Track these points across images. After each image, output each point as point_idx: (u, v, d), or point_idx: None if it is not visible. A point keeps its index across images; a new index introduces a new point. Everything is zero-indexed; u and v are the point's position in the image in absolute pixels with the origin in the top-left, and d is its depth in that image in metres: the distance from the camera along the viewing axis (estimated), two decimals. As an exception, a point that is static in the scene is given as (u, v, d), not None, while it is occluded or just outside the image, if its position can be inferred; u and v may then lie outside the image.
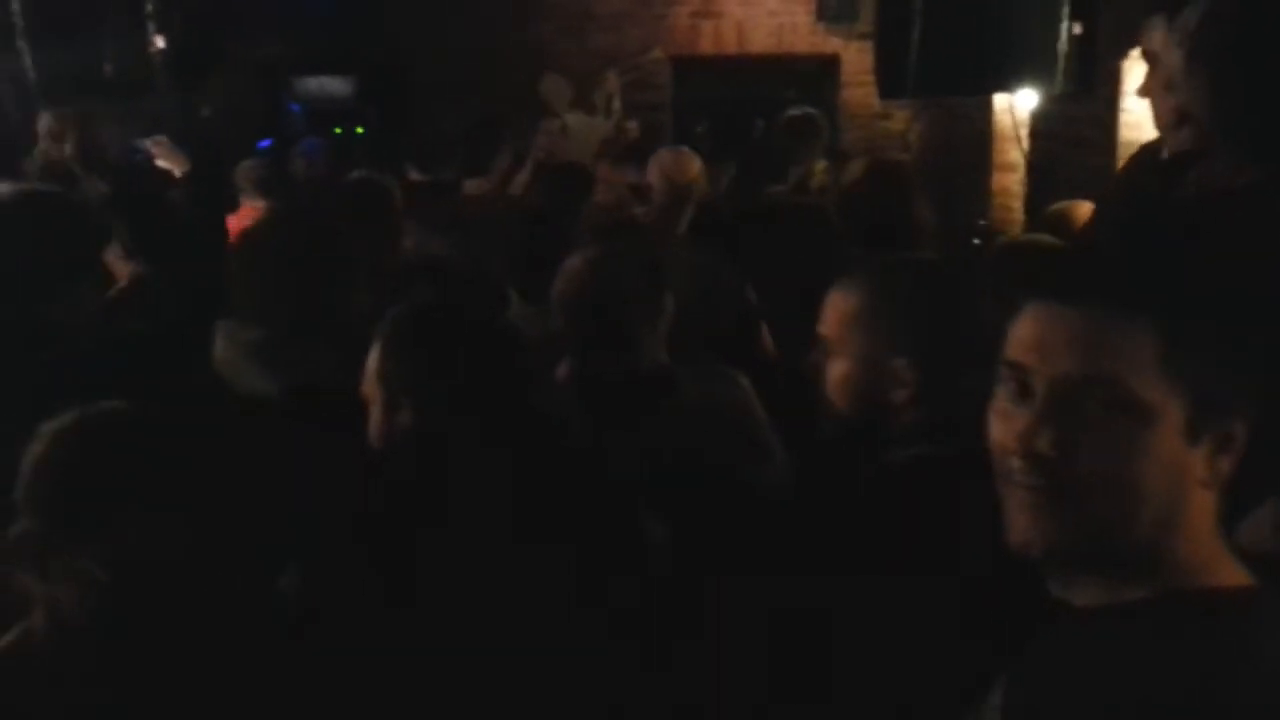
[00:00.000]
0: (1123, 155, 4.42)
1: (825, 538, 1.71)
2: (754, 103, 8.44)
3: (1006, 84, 4.46)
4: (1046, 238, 3.34)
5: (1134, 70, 4.36)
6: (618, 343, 2.40)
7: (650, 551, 1.93)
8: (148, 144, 5.21)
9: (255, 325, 2.27)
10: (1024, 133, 5.51)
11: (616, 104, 8.09)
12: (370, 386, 1.92)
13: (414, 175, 4.87)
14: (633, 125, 7.53)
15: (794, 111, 5.69)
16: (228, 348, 2.27)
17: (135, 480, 1.48)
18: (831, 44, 7.88)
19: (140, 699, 1.43)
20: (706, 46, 8.08)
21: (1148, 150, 2.62)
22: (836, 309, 1.84)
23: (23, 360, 2.12)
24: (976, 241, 5.27)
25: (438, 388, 1.86)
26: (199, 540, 1.50)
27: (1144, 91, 2.66)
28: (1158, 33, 2.63)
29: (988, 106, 6.19)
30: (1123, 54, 4.56)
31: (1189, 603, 1.06)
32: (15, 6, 4.59)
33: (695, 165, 4.47)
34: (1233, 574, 1.09)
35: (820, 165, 5.54)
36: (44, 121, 4.23)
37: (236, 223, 4.67)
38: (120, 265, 2.98)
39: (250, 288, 2.31)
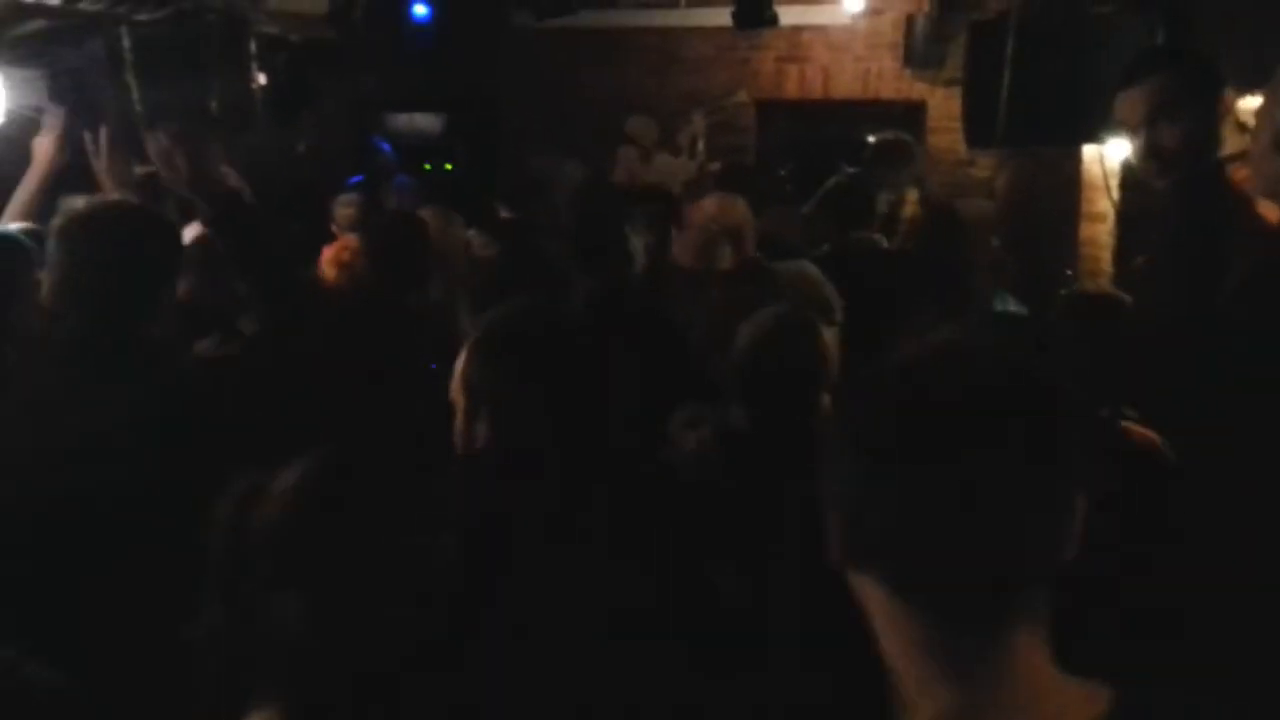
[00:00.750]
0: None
1: None
2: (839, 146, 8.45)
3: (1098, 135, 4.40)
4: (1111, 291, 3.31)
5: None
6: (791, 402, 2.40)
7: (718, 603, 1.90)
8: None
9: None
10: (1114, 183, 5.43)
11: (701, 145, 8.16)
12: (456, 391, 1.88)
13: (504, 213, 4.93)
14: (716, 166, 7.57)
15: (886, 135, 5.62)
16: None
17: (383, 528, 1.35)
18: (918, 90, 7.87)
19: None
20: (792, 91, 8.12)
21: (1219, 194, 2.56)
22: None
23: (131, 382, 2.09)
24: (1063, 292, 5.20)
25: (518, 400, 1.80)
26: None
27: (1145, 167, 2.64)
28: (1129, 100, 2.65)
29: (1076, 155, 6.11)
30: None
31: None
32: (125, 42, 4.77)
33: (739, 209, 4.45)
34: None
35: (913, 195, 5.49)
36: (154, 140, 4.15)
37: (331, 254, 4.78)
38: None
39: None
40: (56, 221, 2.31)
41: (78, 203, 2.52)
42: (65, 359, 2.17)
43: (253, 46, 4.64)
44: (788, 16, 6.72)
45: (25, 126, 5.15)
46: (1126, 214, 5.43)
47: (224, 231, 2.62)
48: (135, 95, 4.83)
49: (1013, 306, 3.80)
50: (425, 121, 8.71)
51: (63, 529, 1.88)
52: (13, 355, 2.47)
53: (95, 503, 1.89)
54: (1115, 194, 5.44)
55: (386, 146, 7.84)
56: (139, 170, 4.17)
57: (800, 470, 2.26)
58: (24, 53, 5.12)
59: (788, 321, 2.50)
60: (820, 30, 7.93)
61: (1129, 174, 5.45)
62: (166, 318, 2.34)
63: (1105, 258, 5.91)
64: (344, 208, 5.18)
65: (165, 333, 2.34)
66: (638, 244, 5.44)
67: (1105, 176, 5.42)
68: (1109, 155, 5.22)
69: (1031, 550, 0.99)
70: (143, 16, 4.57)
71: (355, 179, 7.12)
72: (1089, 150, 5.81)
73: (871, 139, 5.63)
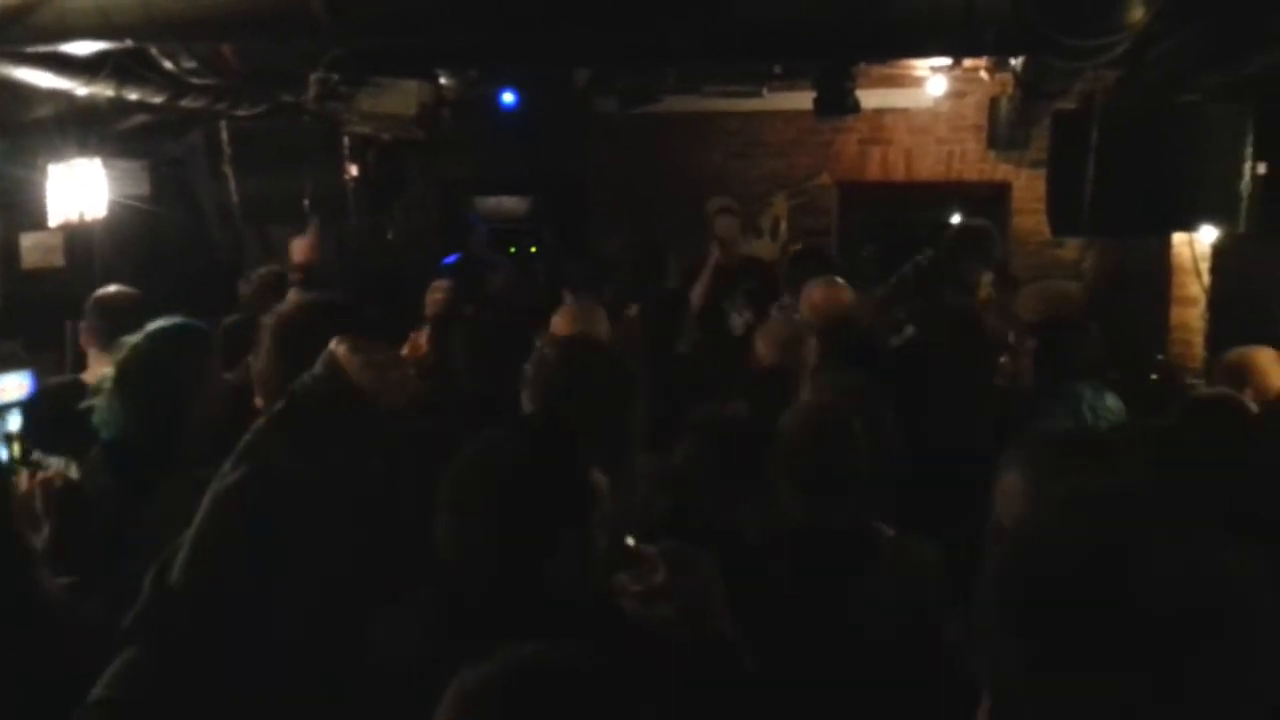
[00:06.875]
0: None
1: None
2: (922, 227, 8.42)
3: (1186, 223, 4.33)
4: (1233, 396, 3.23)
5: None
6: (839, 496, 2.38)
7: None
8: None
9: None
10: (1205, 266, 5.34)
11: (783, 227, 8.19)
12: None
13: (568, 297, 4.76)
14: (797, 249, 7.59)
15: (962, 222, 5.60)
16: None
17: None
18: (1002, 171, 7.83)
19: None
20: (874, 173, 8.11)
21: None
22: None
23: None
24: (1154, 378, 5.10)
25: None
26: None
27: None
28: None
29: (1166, 237, 6.02)
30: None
31: None
32: (224, 135, 4.97)
33: (847, 296, 4.39)
34: None
35: (986, 279, 5.44)
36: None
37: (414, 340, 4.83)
38: None
39: None
40: (268, 318, 2.48)
41: (290, 301, 2.63)
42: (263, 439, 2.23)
43: (345, 143, 4.79)
44: (870, 100, 6.71)
45: (126, 215, 5.36)
46: (1218, 299, 5.32)
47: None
48: (232, 185, 5.02)
49: (1110, 402, 3.68)
50: (512, 204, 8.86)
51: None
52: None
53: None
54: (1206, 278, 5.34)
55: (477, 220, 7.88)
56: (264, 269, 4.27)
57: (854, 563, 2.24)
58: (127, 145, 5.33)
59: (837, 412, 2.51)
60: (902, 113, 7.93)
61: (1220, 258, 5.36)
62: None
63: (1197, 343, 5.78)
64: (434, 293, 5.10)
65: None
66: (738, 321, 5.44)
67: (1195, 260, 5.33)
68: (1200, 238, 5.14)
69: None
70: (241, 112, 4.74)
71: (450, 258, 7.22)
72: (1179, 233, 5.73)
73: (956, 220, 5.61)
